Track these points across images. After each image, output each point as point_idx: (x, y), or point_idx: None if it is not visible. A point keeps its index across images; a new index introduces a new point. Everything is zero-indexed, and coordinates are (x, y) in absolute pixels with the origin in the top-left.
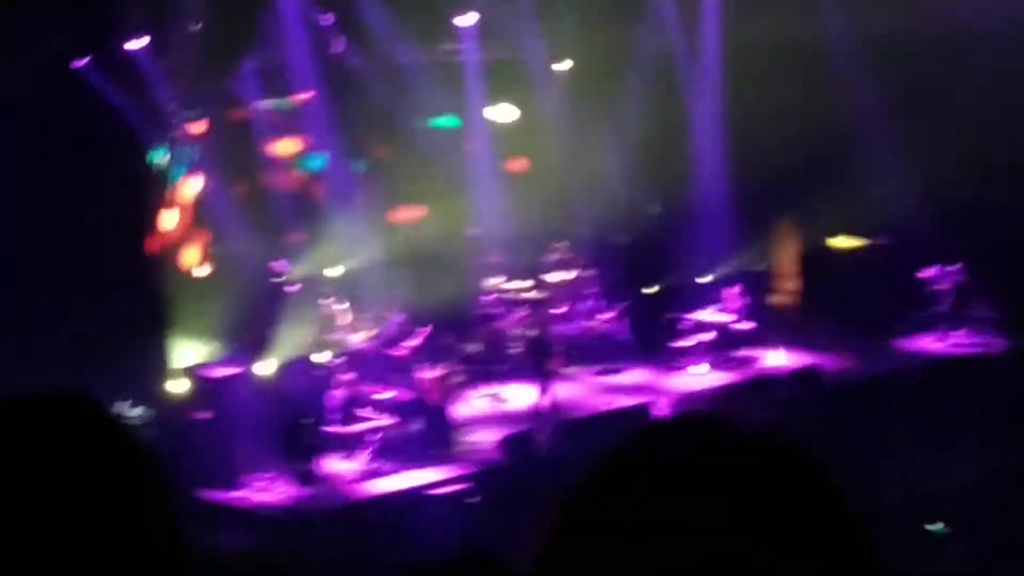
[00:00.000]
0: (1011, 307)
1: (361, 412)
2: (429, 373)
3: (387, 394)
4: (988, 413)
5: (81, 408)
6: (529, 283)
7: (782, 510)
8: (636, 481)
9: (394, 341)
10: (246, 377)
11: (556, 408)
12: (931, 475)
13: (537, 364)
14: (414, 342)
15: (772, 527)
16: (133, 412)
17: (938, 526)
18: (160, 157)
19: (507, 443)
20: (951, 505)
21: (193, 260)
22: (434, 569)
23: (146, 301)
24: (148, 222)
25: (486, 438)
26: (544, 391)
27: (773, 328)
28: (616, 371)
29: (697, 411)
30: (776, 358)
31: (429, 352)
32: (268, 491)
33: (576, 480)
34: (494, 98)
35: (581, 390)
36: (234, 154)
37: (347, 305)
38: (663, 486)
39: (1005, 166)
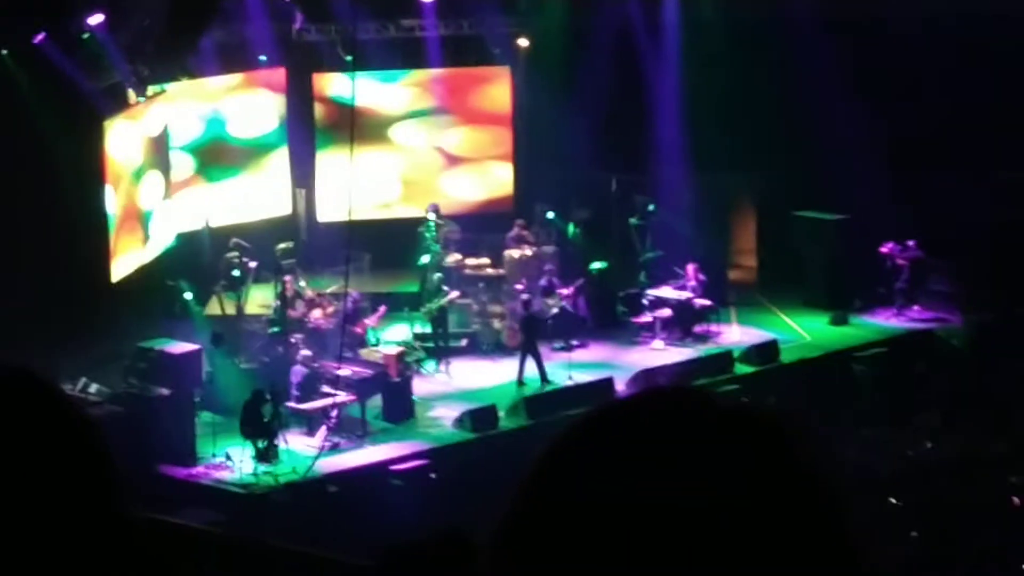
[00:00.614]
0: (967, 282)
1: (321, 388)
2: (387, 349)
3: (346, 370)
4: (944, 386)
5: (25, 383)
6: (487, 259)
7: (758, 484)
8: (603, 457)
9: (352, 318)
10: (205, 353)
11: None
12: (888, 449)
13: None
14: (373, 319)
15: (751, 502)
16: (91, 389)
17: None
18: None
19: (466, 418)
20: (907, 479)
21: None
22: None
23: (104, 277)
24: (106, 197)
25: (445, 413)
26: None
27: (731, 303)
28: (575, 347)
29: (664, 386)
30: (735, 333)
31: (387, 328)
32: (227, 468)
33: (541, 456)
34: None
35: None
36: None
37: (306, 282)
38: (631, 462)
39: (962, 146)
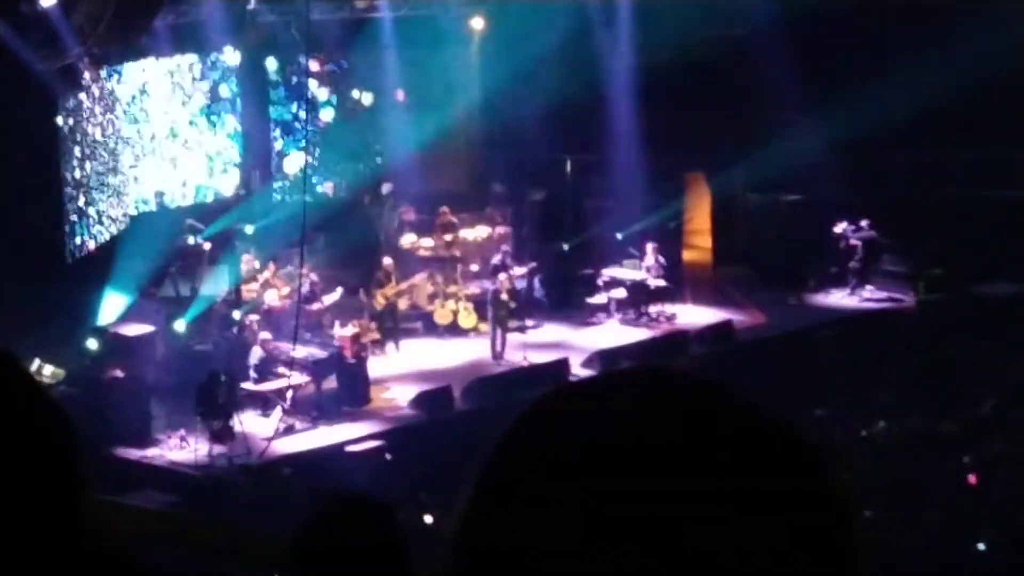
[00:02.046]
0: (920, 262)
1: (276, 369)
2: (343, 330)
3: (302, 351)
4: (898, 366)
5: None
6: (444, 240)
7: (743, 473)
8: (567, 447)
9: (308, 299)
10: (160, 335)
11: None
12: (842, 428)
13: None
14: (329, 299)
15: (724, 486)
16: (45, 371)
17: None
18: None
19: (422, 399)
20: (861, 459)
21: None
22: (316, 520)
23: (58, 258)
24: (59, 179)
25: (401, 395)
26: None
27: (686, 284)
28: (530, 327)
29: (629, 367)
30: (690, 314)
31: (343, 309)
32: (183, 449)
33: (499, 440)
34: (408, 54)
35: (496, 345)
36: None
37: (261, 262)
38: (591, 445)
39: (915, 125)
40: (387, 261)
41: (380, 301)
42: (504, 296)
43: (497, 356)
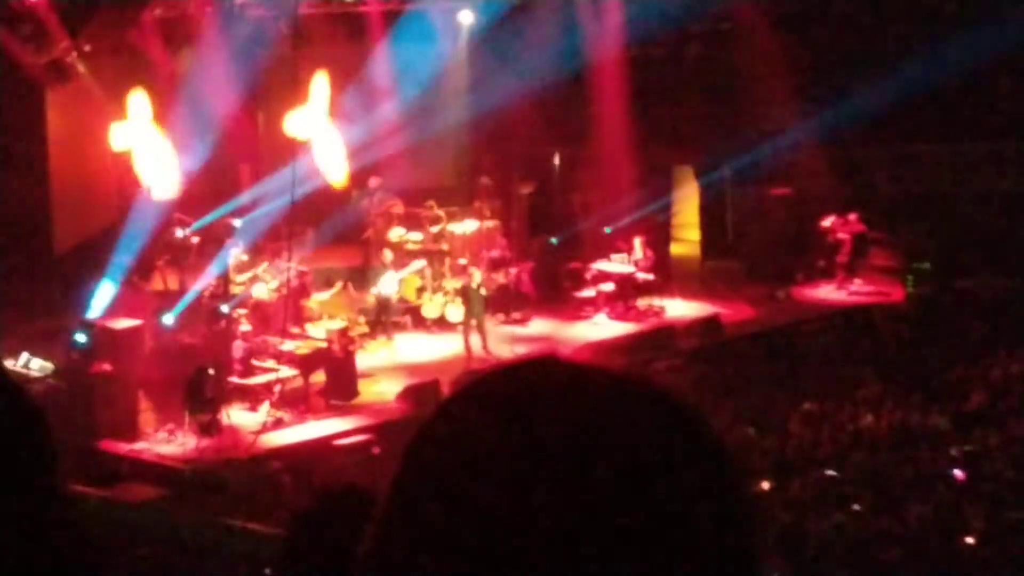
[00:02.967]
0: (908, 256)
1: (264, 363)
2: (331, 324)
3: (290, 345)
4: (886, 361)
5: None
6: (432, 234)
7: (635, 453)
8: (468, 431)
9: (299, 293)
10: (148, 328)
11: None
12: (829, 422)
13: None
14: (325, 295)
15: (625, 475)
16: (33, 364)
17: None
18: None
19: (410, 393)
20: (848, 453)
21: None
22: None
23: (46, 251)
24: (46, 172)
25: (389, 389)
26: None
27: (674, 278)
28: (518, 321)
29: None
30: (678, 308)
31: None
32: (170, 443)
33: (417, 433)
34: (397, 49)
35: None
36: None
37: (249, 256)
38: (497, 437)
39: (903, 117)
40: (386, 253)
41: (376, 295)
42: (476, 288)
43: (471, 352)
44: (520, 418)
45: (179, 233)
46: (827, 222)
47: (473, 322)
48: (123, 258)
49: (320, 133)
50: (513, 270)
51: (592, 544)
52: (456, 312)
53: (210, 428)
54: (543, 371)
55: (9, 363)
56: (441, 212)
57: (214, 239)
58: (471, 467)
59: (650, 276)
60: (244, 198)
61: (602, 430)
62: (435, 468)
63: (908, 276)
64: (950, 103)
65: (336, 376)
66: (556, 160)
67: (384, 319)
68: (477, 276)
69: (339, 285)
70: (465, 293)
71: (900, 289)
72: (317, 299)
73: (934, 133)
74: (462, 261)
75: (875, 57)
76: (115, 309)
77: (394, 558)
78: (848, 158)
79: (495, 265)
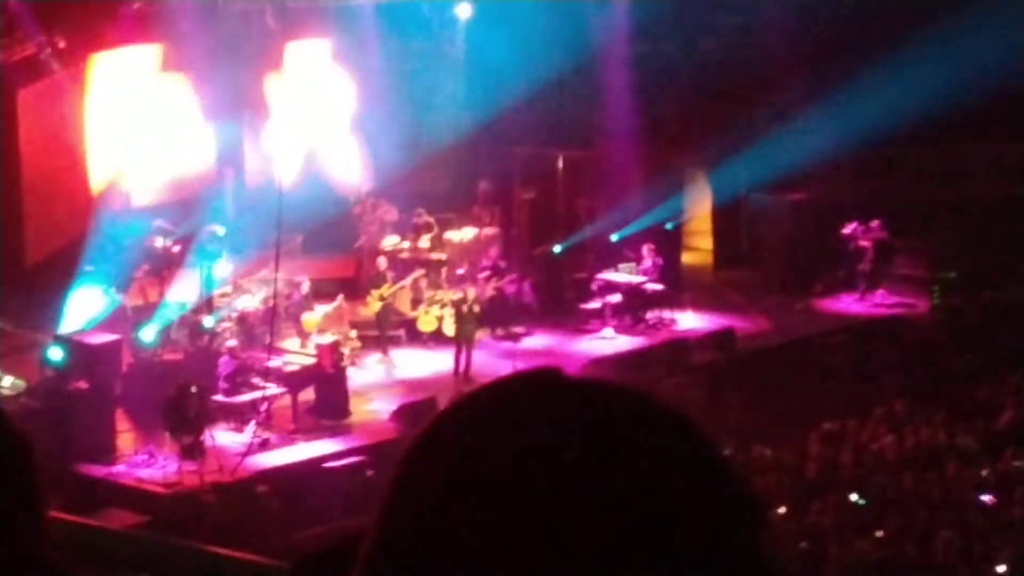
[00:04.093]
0: (934, 265)
1: (250, 380)
2: (321, 338)
3: (278, 361)
4: (909, 375)
5: None
6: (427, 242)
7: (633, 473)
8: (458, 446)
9: (298, 307)
10: (127, 343)
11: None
12: (850, 442)
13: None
14: (326, 309)
15: (621, 494)
16: (4, 382)
17: (856, 496)
18: None
19: (404, 412)
20: (870, 475)
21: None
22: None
23: (16, 261)
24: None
25: (382, 407)
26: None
27: (686, 288)
28: (519, 335)
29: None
30: (690, 320)
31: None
32: (150, 466)
33: (404, 456)
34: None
35: (482, 356)
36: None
37: (235, 266)
38: (484, 450)
39: (928, 119)
40: (381, 261)
41: (375, 303)
42: (468, 307)
43: (459, 374)
44: (514, 439)
45: (160, 242)
46: (848, 229)
47: (464, 344)
48: (100, 268)
49: (329, 136)
50: (512, 281)
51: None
52: (452, 326)
53: (192, 450)
54: (542, 388)
55: None
56: (431, 219)
57: (197, 248)
58: (461, 495)
59: (660, 286)
60: (228, 204)
61: (604, 451)
62: (424, 495)
63: (934, 286)
64: (980, 104)
65: (326, 394)
66: (560, 163)
67: (381, 333)
68: (471, 294)
69: (340, 299)
70: (458, 311)
71: (925, 300)
72: (308, 319)
73: (961, 135)
74: (459, 271)
75: (901, 56)
76: (92, 323)
77: None
78: (871, 161)
79: (491, 275)
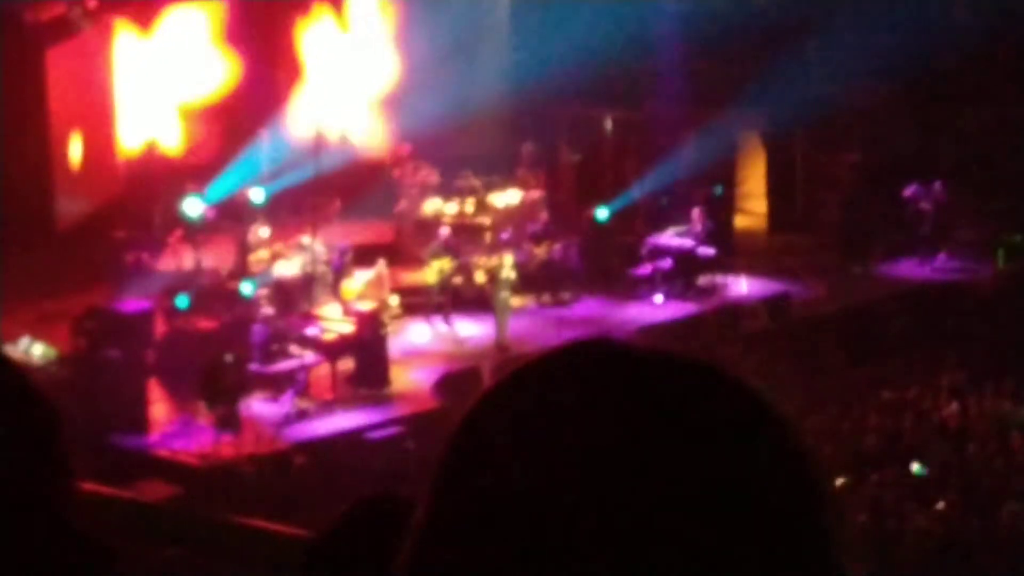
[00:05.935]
0: (998, 228)
1: (287, 349)
2: (361, 307)
3: (315, 329)
4: (974, 345)
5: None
6: (471, 206)
7: (703, 452)
8: (519, 423)
9: (338, 272)
10: (160, 312)
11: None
12: (913, 414)
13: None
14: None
15: (690, 469)
16: (35, 350)
17: (918, 467)
18: None
19: (447, 382)
20: (933, 445)
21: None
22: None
23: (46, 226)
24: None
25: (424, 376)
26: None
27: (739, 253)
28: (566, 302)
29: (586, 338)
30: (743, 286)
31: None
32: (185, 437)
33: (454, 434)
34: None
35: (527, 323)
36: None
37: (271, 232)
38: (550, 428)
39: (991, 75)
40: (444, 231)
41: (435, 275)
42: (506, 273)
43: (500, 345)
44: (572, 411)
45: (192, 204)
46: (908, 191)
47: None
48: (132, 233)
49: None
50: (558, 246)
51: (658, 547)
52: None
53: (228, 420)
54: (596, 357)
55: (8, 348)
56: (477, 183)
57: (231, 213)
58: (520, 474)
59: (712, 251)
60: (265, 167)
61: (665, 423)
62: (479, 474)
63: (999, 250)
64: None
65: (366, 363)
66: (607, 124)
67: (440, 303)
68: (508, 260)
69: (380, 265)
70: (493, 278)
71: (990, 264)
72: (348, 287)
73: None
74: (504, 236)
75: (954, 15)
76: (124, 290)
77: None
78: (932, 119)
79: (537, 240)
